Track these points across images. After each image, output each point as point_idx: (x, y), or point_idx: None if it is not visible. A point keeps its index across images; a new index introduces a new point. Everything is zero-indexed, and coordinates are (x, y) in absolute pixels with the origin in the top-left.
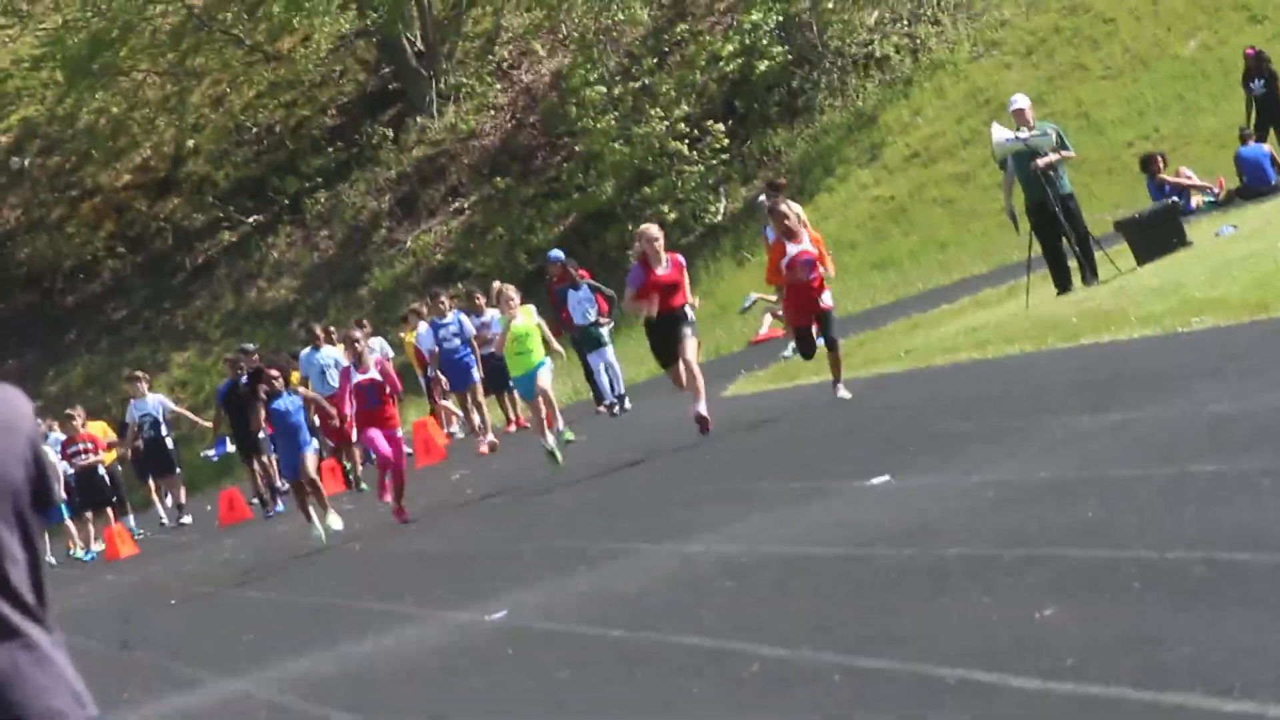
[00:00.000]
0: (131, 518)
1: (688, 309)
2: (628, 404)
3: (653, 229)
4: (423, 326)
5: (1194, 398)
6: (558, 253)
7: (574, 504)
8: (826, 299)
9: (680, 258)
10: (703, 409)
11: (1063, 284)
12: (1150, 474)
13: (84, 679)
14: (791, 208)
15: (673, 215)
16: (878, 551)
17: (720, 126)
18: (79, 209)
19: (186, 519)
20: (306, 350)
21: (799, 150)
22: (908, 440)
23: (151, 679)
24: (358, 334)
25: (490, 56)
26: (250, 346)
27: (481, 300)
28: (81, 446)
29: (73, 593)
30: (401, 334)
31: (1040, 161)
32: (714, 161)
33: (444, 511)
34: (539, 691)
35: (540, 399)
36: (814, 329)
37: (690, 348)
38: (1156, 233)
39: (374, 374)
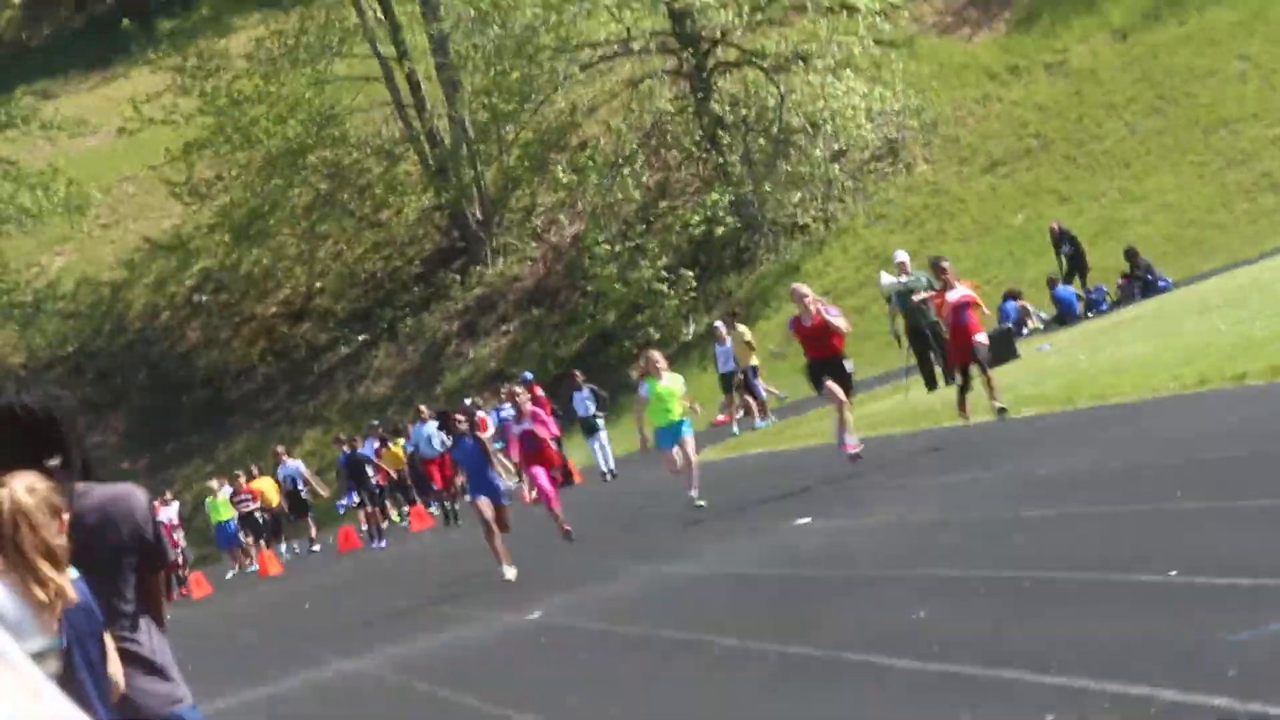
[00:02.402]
0: (285, 546)
1: (845, 361)
2: (615, 472)
3: (801, 287)
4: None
5: (1022, 463)
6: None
7: (592, 534)
8: (980, 337)
9: (828, 310)
10: (850, 442)
11: (931, 384)
12: (992, 516)
13: (239, 661)
14: (742, 329)
15: (657, 335)
16: (803, 571)
17: (690, 273)
18: (241, 331)
19: (316, 548)
20: (415, 424)
21: (745, 290)
22: (825, 492)
23: (288, 660)
24: (519, 389)
25: (528, 224)
26: (376, 422)
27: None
28: (244, 498)
29: (234, 599)
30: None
31: (915, 298)
32: (685, 297)
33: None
34: (578, 678)
35: (682, 454)
36: (968, 364)
37: (839, 389)
38: (998, 348)
39: (529, 425)
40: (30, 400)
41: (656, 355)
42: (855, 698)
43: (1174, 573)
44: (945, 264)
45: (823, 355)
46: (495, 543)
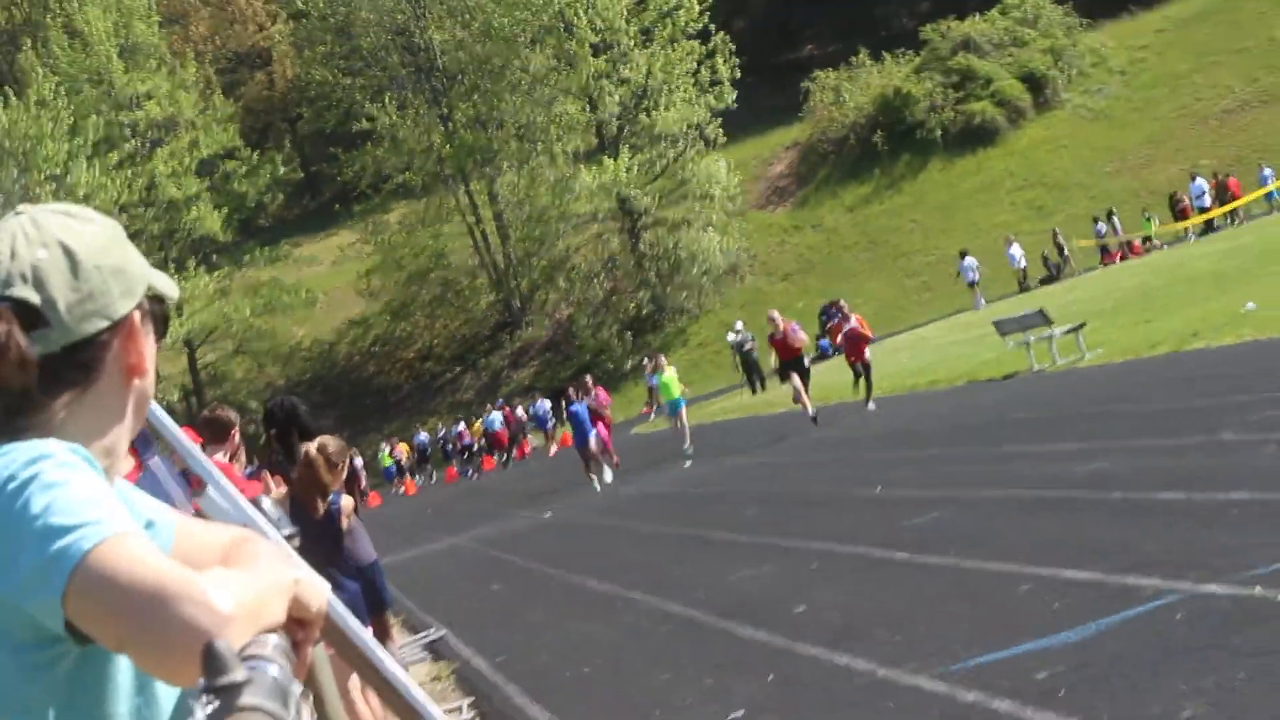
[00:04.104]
0: (419, 478)
1: (805, 358)
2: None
3: (773, 313)
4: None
5: (807, 432)
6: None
7: (579, 471)
8: (866, 354)
9: (795, 327)
10: (810, 411)
11: (754, 391)
12: (789, 460)
13: (394, 537)
14: (663, 361)
15: (612, 366)
16: (688, 490)
17: (629, 333)
18: (395, 366)
19: (434, 479)
20: (485, 416)
21: (658, 343)
22: (704, 446)
23: (420, 539)
24: (589, 380)
25: (544, 308)
26: (472, 411)
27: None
28: (396, 453)
29: (391, 507)
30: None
31: (744, 347)
32: (626, 347)
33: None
34: (572, 546)
35: (681, 419)
36: (858, 368)
37: (799, 379)
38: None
39: (593, 402)
40: (289, 400)
41: (663, 359)
42: (715, 559)
43: (879, 489)
44: (843, 304)
45: (789, 356)
46: (589, 471)
